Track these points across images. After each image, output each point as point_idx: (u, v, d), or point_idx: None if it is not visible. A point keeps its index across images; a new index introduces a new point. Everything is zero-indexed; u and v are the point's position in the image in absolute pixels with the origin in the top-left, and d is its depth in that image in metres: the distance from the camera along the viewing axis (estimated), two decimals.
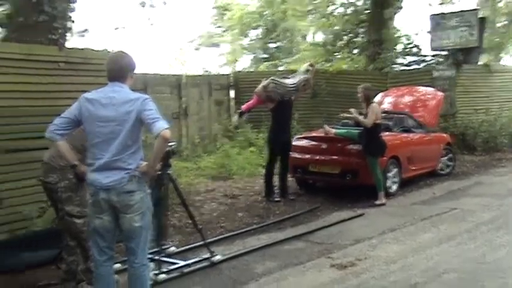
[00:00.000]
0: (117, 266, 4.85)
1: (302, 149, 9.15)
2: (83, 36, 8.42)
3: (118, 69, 3.95)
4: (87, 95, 3.96)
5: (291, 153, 8.86)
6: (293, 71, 10.37)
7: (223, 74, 16.03)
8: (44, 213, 6.18)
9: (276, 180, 8.89)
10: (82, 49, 7.24)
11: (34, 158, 5.67)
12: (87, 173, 3.94)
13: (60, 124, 3.92)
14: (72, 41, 7.80)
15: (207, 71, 16.75)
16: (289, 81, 8.74)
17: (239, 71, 18.66)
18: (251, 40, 27.26)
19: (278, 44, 26.47)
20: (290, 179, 9.22)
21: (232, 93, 14.70)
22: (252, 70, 21.64)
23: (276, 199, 8.61)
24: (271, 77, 8.77)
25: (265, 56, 25.99)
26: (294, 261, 5.69)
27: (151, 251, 4.59)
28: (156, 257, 5.25)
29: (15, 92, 6.14)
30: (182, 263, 5.51)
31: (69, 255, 4.80)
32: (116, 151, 3.81)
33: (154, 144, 3.82)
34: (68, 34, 7.63)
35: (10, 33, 7.68)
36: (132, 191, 3.88)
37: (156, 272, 5.08)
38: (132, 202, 3.88)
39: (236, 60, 26.83)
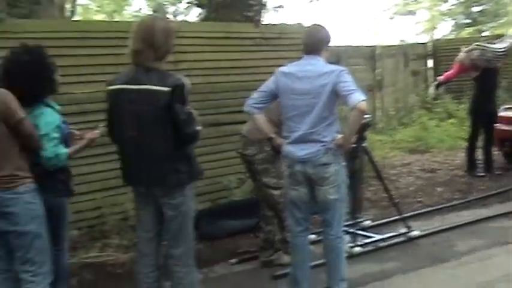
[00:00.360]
0: (313, 237, 4.93)
1: (510, 121, 8.38)
2: (277, 11, 8.58)
3: (314, 42, 3.93)
4: (283, 68, 4.00)
5: (496, 124, 8.18)
6: (499, 36, 9.53)
7: (420, 43, 15.31)
8: (242, 183, 6.49)
9: (479, 154, 8.30)
10: (277, 24, 7.40)
11: (233, 131, 5.95)
12: (283, 145, 4.02)
13: (258, 98, 4.02)
14: (267, 17, 8.02)
15: (402, 41, 16.16)
16: (497, 46, 8.03)
17: (438, 39, 17.72)
18: (452, 5, 25.64)
19: (482, 7, 24.52)
20: (495, 152, 8.53)
21: (430, 63, 14.01)
22: (452, 37, 20.41)
23: (480, 174, 8.04)
24: (476, 43, 8.14)
25: (468, 21, 24.28)
26: (500, 240, 5.27)
27: (346, 223, 4.56)
28: (351, 230, 5.24)
29: (217, 68, 6.49)
30: (378, 237, 5.43)
31: (266, 225, 4.97)
32: (311, 124, 3.81)
33: (350, 116, 3.76)
34: (263, 10, 7.84)
35: (209, 13, 8.13)
36: (328, 163, 3.86)
37: (351, 244, 5.07)
38: (327, 174, 3.87)
39: (434, 28, 25.51)
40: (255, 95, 4.05)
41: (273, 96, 4.01)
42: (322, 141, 3.82)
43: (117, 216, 5.70)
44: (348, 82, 3.74)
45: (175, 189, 3.41)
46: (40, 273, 3.27)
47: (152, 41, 3.25)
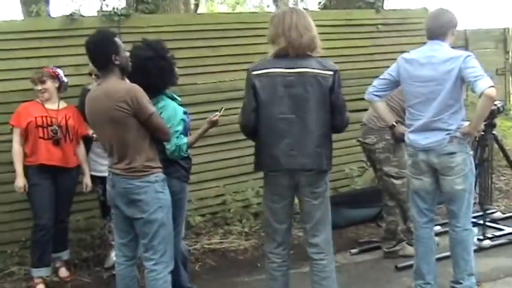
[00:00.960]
0: (437, 228, 4.73)
1: None
2: None
3: (438, 26, 3.73)
4: (405, 55, 3.86)
5: None
6: None
7: None
8: (363, 172, 6.39)
9: None
10: (399, 10, 7.16)
11: (355, 119, 5.81)
12: (405, 133, 3.88)
13: (379, 85, 3.91)
14: (389, 2, 7.79)
15: None
16: None
17: None
18: None
19: None
20: None
21: None
22: None
23: None
24: None
25: None
26: None
27: (474, 215, 4.32)
28: (480, 222, 4.97)
29: (338, 56, 6.40)
30: (509, 229, 5.10)
31: (388, 215, 4.85)
32: (435, 111, 3.65)
33: (478, 103, 3.54)
34: None
35: (329, 1, 8.04)
36: (453, 152, 3.67)
37: (480, 237, 4.82)
38: (453, 164, 3.69)
39: None
40: (375, 82, 3.94)
41: (395, 83, 3.89)
42: (447, 130, 3.65)
43: (239, 203, 5.85)
44: (475, 68, 3.53)
45: (321, 176, 3.40)
46: (162, 261, 3.40)
47: (298, 31, 3.24)
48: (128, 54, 3.42)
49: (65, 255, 4.81)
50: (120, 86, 3.26)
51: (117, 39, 3.35)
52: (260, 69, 3.31)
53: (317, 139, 3.31)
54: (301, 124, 3.28)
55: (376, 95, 3.92)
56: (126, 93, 3.17)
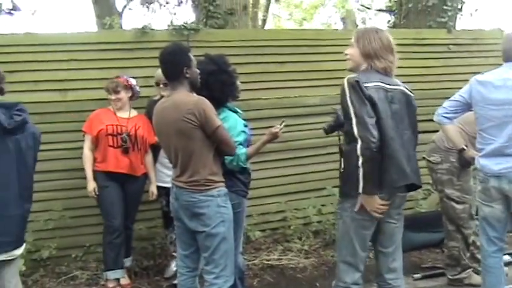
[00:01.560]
0: (507, 258, 4.53)
1: None
2: (472, 16, 8.09)
3: None
4: (478, 77, 3.74)
5: None
6: None
7: None
8: (428, 195, 6.21)
9: None
10: (472, 30, 6.96)
11: (422, 141, 5.70)
12: (476, 158, 3.74)
13: (449, 107, 3.81)
14: (462, 22, 7.59)
15: None
16: None
17: None
18: None
19: None
20: None
21: None
22: None
23: None
24: None
25: None
26: None
27: None
28: None
29: (408, 76, 6.26)
30: None
31: (449, 240, 4.69)
32: (509, 136, 3.52)
33: None
34: (457, 15, 7.45)
35: (399, 19, 7.93)
36: None
37: None
38: None
39: None
40: (446, 104, 3.85)
41: (466, 106, 3.77)
42: None
43: (299, 220, 5.79)
44: None
45: (406, 197, 3.32)
46: (223, 275, 3.39)
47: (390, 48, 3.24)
48: (198, 70, 3.46)
49: (128, 262, 4.90)
50: (188, 98, 3.31)
51: (190, 53, 3.42)
52: (369, 82, 3.09)
53: (415, 157, 3.21)
54: (405, 144, 3.13)
55: (445, 117, 3.82)
56: (194, 106, 3.22)
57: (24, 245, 3.20)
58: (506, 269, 4.05)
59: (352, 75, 3.17)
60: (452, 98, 3.84)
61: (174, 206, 3.44)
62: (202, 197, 3.29)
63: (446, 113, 3.81)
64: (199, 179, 3.29)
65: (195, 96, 3.38)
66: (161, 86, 4.63)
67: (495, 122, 3.57)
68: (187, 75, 3.35)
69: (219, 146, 3.36)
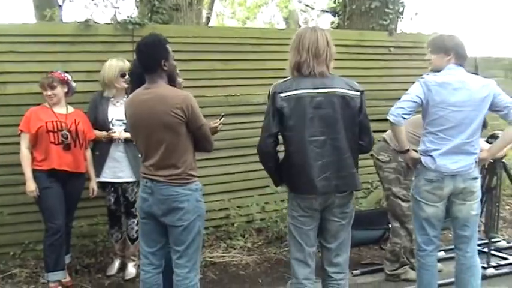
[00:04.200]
0: (441, 254, 4.71)
1: None
2: (412, 20, 8.31)
3: (466, 53, 3.81)
4: (433, 78, 3.73)
5: None
6: None
7: None
8: (368, 194, 6.36)
9: None
10: (412, 33, 7.17)
11: None
12: (427, 158, 3.76)
13: (408, 108, 3.72)
14: (402, 26, 7.78)
15: None
16: None
17: None
18: None
19: None
20: None
21: None
22: None
23: None
24: None
25: None
26: None
27: (479, 242, 4.30)
28: (485, 250, 4.94)
29: (349, 76, 6.39)
30: None
31: (394, 236, 4.83)
32: (467, 136, 3.66)
33: (506, 130, 3.72)
34: (398, 18, 7.66)
35: (343, 20, 8.08)
36: (476, 177, 3.73)
37: (485, 265, 4.77)
38: (475, 189, 3.72)
39: None
40: (404, 104, 3.72)
41: (419, 107, 3.80)
42: (475, 153, 3.70)
43: (242, 218, 5.83)
44: (502, 95, 3.68)
45: (351, 197, 3.41)
46: (195, 269, 3.42)
47: (318, 50, 3.25)
48: (175, 63, 3.44)
49: (67, 259, 4.78)
50: (176, 92, 3.30)
51: (168, 46, 3.39)
52: (285, 91, 3.22)
53: (350, 160, 3.29)
54: (334, 146, 3.24)
55: (404, 118, 3.73)
56: (183, 101, 3.23)
57: None
58: (440, 265, 4.21)
59: (279, 81, 3.35)
60: (407, 99, 3.74)
61: (147, 201, 3.37)
62: (182, 191, 3.28)
63: (405, 113, 3.73)
64: (180, 173, 3.29)
65: (182, 91, 3.37)
66: (126, 77, 4.57)
67: (454, 123, 3.66)
68: (165, 68, 3.33)
69: (200, 142, 3.39)
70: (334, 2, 8.98)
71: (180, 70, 3.75)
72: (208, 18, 14.05)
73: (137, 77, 3.51)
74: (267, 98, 3.34)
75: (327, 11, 9.87)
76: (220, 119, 3.79)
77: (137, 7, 7.52)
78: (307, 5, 15.45)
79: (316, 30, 3.35)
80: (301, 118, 3.22)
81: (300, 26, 13.78)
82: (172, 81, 3.43)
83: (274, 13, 19.10)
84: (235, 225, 5.76)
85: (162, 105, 3.24)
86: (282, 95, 3.23)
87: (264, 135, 3.31)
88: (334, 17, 8.71)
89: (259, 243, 5.66)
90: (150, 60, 3.33)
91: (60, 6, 11.27)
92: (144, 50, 3.36)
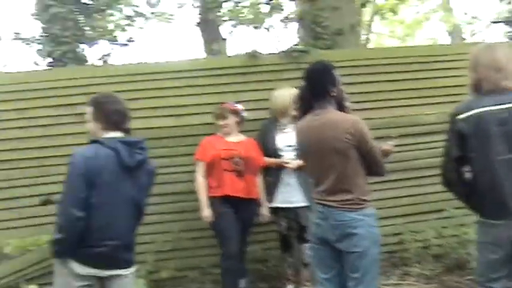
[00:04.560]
0: None
1: None
2: None
3: None
4: None
5: None
6: None
7: None
8: None
9: None
10: None
11: None
12: None
13: None
14: None
15: None
16: None
17: None
18: None
19: None
20: None
21: None
22: None
23: None
24: None
25: None
26: None
27: None
28: None
29: None
30: None
31: None
32: None
33: None
34: None
35: None
36: None
37: None
38: None
39: None
40: None
41: None
42: None
43: (418, 243, 5.54)
44: None
45: None
46: None
47: (496, 65, 3.06)
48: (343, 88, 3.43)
49: (243, 283, 4.89)
50: (345, 117, 3.28)
51: (334, 71, 3.40)
52: (467, 111, 3.05)
53: None
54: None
55: None
56: (352, 125, 3.20)
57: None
58: None
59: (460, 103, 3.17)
60: None
61: (321, 227, 3.33)
62: (356, 216, 3.21)
63: None
64: (353, 198, 3.22)
65: (351, 115, 3.35)
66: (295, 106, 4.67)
67: None
68: (333, 94, 3.33)
69: (371, 166, 3.30)
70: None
71: (347, 93, 3.71)
72: (367, 40, 13.91)
73: (304, 103, 3.52)
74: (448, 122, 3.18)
75: (498, 22, 9.25)
76: (392, 141, 3.65)
77: (298, 34, 7.66)
78: (474, 17, 14.67)
79: (493, 46, 3.19)
80: (485, 137, 3.01)
81: (464, 40, 13.12)
82: (340, 106, 3.40)
83: (435, 28, 18.43)
84: (411, 251, 5.50)
85: (332, 130, 3.21)
86: (461, 116, 3.06)
87: (445, 159, 3.17)
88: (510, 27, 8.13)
89: (438, 270, 5.32)
90: (318, 87, 3.33)
91: (224, 39, 11.88)
92: (311, 77, 3.38)
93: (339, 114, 3.30)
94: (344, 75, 3.89)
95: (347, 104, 3.62)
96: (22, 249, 6.48)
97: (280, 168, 4.82)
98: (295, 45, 5.72)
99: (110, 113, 3.23)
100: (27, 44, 10.62)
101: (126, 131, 3.28)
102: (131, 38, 11.21)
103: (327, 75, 3.35)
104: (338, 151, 3.19)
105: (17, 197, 5.17)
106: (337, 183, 3.24)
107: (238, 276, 4.71)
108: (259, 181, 4.87)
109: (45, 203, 4.30)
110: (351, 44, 6.95)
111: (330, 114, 3.29)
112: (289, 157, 4.81)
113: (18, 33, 10.72)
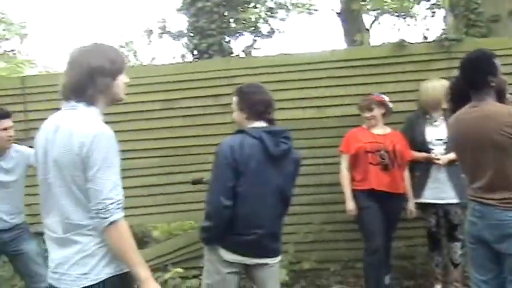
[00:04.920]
0: None
1: None
2: None
3: None
4: None
5: None
6: None
7: None
8: None
9: None
10: None
11: None
12: None
13: None
14: None
15: None
16: None
17: None
18: None
19: None
20: None
21: None
22: None
23: None
24: None
25: None
26: None
27: None
28: None
29: None
30: None
31: None
32: None
33: None
34: None
35: None
36: None
37: None
38: None
39: None
40: None
41: None
42: None
43: None
44: None
45: None
46: None
47: None
48: (504, 78, 3.21)
49: (387, 279, 4.76)
50: (504, 109, 3.06)
51: (495, 60, 3.17)
52: None
53: None
54: None
55: None
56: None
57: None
58: None
59: None
60: None
61: (477, 226, 3.14)
62: None
63: None
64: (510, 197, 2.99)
65: (508, 107, 3.11)
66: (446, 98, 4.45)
67: None
68: (492, 84, 3.10)
69: None
70: None
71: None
72: None
73: (459, 95, 3.31)
74: None
75: None
76: None
77: (444, 23, 7.29)
78: None
79: None
80: None
81: None
82: (500, 98, 3.16)
83: None
84: None
85: (491, 123, 2.99)
86: None
87: None
88: None
89: None
90: (477, 77, 3.12)
91: (367, 29, 11.64)
92: (470, 67, 3.17)
93: (498, 107, 3.07)
94: (504, 64, 3.62)
95: (507, 95, 3.38)
96: (168, 234, 6.89)
97: (429, 162, 4.62)
98: (445, 33, 5.37)
99: (254, 103, 3.28)
100: (174, 38, 11.14)
101: (270, 121, 3.31)
102: (273, 29, 11.35)
103: (487, 65, 3.12)
104: (497, 146, 2.97)
105: (163, 184, 5.47)
106: (495, 180, 3.02)
107: (383, 272, 4.58)
108: (406, 175, 4.70)
109: (196, 182, 4.51)
110: (509, 32, 6.45)
111: (489, 106, 3.08)
112: (439, 151, 4.59)
113: (166, 28, 11.28)
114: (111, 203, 2.12)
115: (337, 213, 5.04)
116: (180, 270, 5.14)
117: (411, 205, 4.70)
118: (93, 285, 2.19)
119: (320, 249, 5.25)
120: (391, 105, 4.79)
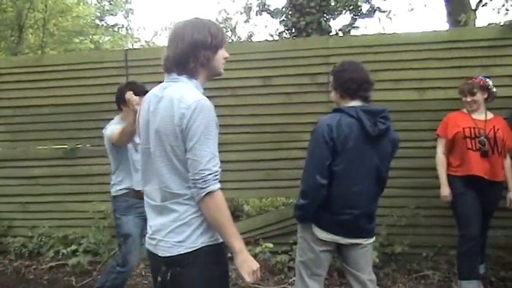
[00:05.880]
0: None
1: None
2: None
3: None
4: None
5: None
6: None
7: None
8: None
9: None
10: None
11: None
12: None
13: None
14: None
15: None
16: None
17: None
18: None
19: None
20: None
21: None
22: None
23: None
24: None
25: None
26: None
27: None
28: None
29: None
30: None
31: None
32: None
33: None
34: None
35: None
36: None
37: None
38: None
39: None
40: None
41: None
42: None
43: None
44: None
45: None
46: None
47: None
48: None
49: (481, 269, 4.63)
50: None
51: None
52: None
53: None
54: None
55: None
56: None
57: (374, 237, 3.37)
58: None
59: None
60: None
61: None
62: None
63: None
64: None
65: None
66: None
67: None
68: None
69: None
70: None
71: None
72: None
73: None
74: None
75: None
76: None
77: None
78: None
79: None
80: None
81: None
82: None
83: None
84: None
85: None
86: None
87: None
88: None
89: None
90: None
91: (473, 10, 11.11)
92: None
93: None
94: None
95: None
96: (259, 209, 7.04)
97: None
98: None
99: (345, 81, 3.22)
100: (272, 15, 11.15)
101: (365, 99, 3.25)
102: (374, 8, 11.08)
103: None
104: None
105: (257, 160, 5.57)
106: None
107: (477, 261, 4.45)
108: (507, 163, 4.51)
109: None
110: None
111: None
112: None
113: (264, 5, 11.30)
114: (209, 174, 2.16)
115: (432, 198, 4.92)
116: (270, 245, 5.24)
117: (511, 194, 4.51)
118: (188, 253, 2.25)
119: (413, 233, 5.17)
120: (494, 89, 4.59)
